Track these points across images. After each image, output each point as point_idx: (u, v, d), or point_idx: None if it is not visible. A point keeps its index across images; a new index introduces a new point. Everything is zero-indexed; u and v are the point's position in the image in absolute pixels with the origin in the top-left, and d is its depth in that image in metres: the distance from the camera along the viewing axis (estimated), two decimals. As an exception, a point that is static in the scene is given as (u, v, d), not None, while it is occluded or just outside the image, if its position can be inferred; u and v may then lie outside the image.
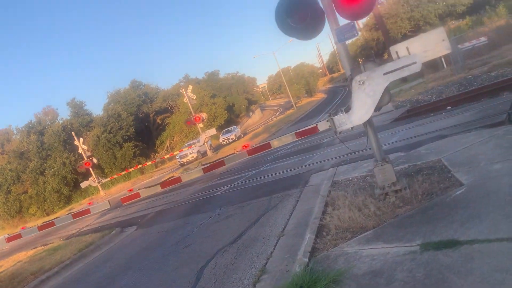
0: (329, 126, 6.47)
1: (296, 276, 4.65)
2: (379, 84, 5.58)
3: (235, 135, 43.89)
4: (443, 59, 25.70)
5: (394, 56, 5.62)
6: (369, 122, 6.24)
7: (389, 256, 4.34)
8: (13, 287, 10.24)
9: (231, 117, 62.27)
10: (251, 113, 73.49)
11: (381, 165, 6.19)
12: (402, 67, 5.48)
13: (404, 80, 28.41)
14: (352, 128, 6.13)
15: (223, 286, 5.75)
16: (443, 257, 3.91)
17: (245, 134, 48.02)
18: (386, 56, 42.95)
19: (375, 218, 5.50)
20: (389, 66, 5.53)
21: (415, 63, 5.41)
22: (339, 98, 53.24)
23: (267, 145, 7.28)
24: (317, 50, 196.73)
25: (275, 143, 7.33)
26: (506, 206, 4.46)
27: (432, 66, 25.90)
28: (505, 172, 5.48)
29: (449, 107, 13.50)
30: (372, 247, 4.72)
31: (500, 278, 3.29)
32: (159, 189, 8.34)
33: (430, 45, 5.52)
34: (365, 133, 6.52)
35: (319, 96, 77.27)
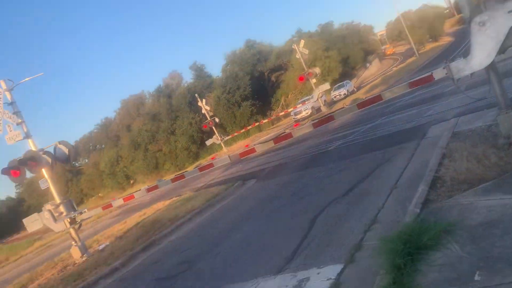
0: (446, 74, 6.09)
1: (406, 226, 4.68)
2: (502, 23, 5.06)
3: (347, 90, 42.27)
4: None
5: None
6: (492, 67, 5.72)
7: (508, 207, 4.12)
8: (155, 230, 11.94)
9: (346, 70, 60.24)
10: (368, 64, 70.03)
11: (506, 112, 5.69)
12: (533, 1, 4.87)
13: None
14: (471, 74, 5.70)
15: (334, 234, 6.03)
16: None
17: (360, 88, 46.19)
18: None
19: (496, 168, 5.16)
20: (515, 2, 4.95)
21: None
22: (468, 40, 47.78)
23: (378, 98, 7.11)
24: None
25: (387, 95, 7.12)
26: None
27: None
28: None
29: None
30: (489, 198, 4.50)
31: None
32: (272, 144, 8.78)
33: None
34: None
35: (446, 40, 70.13)
